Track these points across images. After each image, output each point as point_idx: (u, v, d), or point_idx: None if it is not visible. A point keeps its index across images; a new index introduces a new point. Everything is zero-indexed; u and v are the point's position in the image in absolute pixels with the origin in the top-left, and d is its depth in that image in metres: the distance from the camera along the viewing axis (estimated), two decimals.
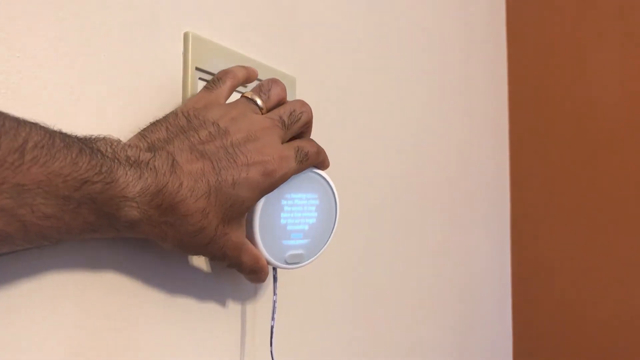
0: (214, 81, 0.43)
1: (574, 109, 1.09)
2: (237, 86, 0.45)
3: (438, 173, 0.88)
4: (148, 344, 0.42)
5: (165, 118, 0.40)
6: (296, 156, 0.42)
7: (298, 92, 0.57)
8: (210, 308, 0.47)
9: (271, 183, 0.40)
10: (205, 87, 0.43)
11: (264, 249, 0.44)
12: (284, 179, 0.41)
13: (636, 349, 1.01)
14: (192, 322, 0.46)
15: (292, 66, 0.57)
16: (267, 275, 0.45)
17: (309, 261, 0.48)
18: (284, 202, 0.44)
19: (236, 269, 0.43)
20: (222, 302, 0.49)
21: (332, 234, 0.49)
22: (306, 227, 0.47)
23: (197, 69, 0.46)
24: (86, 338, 0.38)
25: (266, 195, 0.42)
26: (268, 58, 0.54)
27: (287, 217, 0.45)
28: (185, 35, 0.45)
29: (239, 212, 0.39)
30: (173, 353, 0.44)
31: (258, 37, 0.54)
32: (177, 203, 0.35)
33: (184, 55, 0.45)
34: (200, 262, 0.47)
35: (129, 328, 0.40)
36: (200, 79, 0.46)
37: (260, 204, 0.43)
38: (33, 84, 0.35)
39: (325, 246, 0.49)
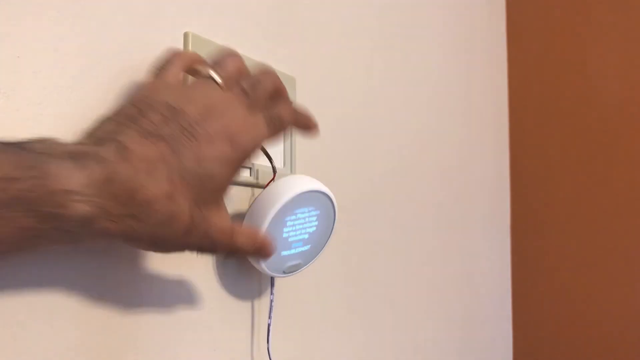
0: (160, 64, 0.39)
1: (574, 109, 1.09)
2: (187, 67, 0.39)
3: (438, 173, 0.88)
4: (148, 341, 0.42)
5: (112, 112, 0.35)
6: (266, 120, 0.37)
7: (298, 92, 0.57)
8: (211, 307, 0.47)
9: (240, 152, 0.36)
10: (151, 73, 0.39)
11: (264, 264, 0.46)
12: (254, 145, 0.37)
13: (636, 349, 1.01)
14: (192, 321, 0.46)
15: (292, 66, 0.57)
16: (273, 249, 0.41)
17: (303, 268, 0.50)
18: (287, 218, 0.45)
19: (236, 257, 0.41)
20: (222, 301, 0.49)
21: (328, 240, 0.51)
22: (306, 236, 0.48)
23: None
24: (86, 340, 0.38)
25: (271, 217, 0.43)
26: (268, 58, 0.54)
27: (290, 230, 0.46)
28: (185, 35, 0.45)
29: (212, 190, 0.35)
30: (173, 352, 0.44)
31: (258, 37, 0.54)
32: (135, 190, 0.31)
33: None
34: (200, 259, 0.47)
35: (129, 328, 0.40)
36: None
37: (265, 224, 0.43)
38: (33, 84, 0.35)
39: (319, 254, 0.51)
